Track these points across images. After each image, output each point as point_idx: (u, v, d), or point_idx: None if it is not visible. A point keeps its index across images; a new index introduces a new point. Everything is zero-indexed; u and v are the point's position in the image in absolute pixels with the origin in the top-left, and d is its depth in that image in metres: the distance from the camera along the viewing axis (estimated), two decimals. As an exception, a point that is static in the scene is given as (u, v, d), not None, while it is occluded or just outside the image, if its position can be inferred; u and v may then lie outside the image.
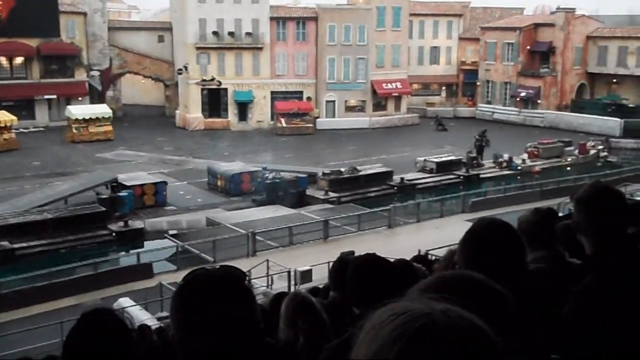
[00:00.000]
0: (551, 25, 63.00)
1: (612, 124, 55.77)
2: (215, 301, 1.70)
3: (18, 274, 23.65)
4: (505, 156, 43.77)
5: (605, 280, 2.40)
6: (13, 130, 48.53)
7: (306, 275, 21.24)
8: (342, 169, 38.47)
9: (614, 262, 2.47)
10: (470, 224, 2.55)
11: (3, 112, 49.17)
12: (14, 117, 48.51)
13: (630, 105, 58.63)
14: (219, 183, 37.05)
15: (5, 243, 27.23)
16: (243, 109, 59.42)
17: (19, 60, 56.75)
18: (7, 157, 44.44)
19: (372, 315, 1.03)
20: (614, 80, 62.65)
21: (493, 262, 2.16)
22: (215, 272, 1.81)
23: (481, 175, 41.98)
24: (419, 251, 15.97)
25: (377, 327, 0.98)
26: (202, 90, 58.47)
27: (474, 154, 43.12)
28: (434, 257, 13.97)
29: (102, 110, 53.00)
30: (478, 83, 67.34)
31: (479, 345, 0.95)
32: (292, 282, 21.40)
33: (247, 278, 1.91)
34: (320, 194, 36.13)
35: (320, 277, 20.41)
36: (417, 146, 48.90)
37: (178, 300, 1.77)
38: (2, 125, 47.51)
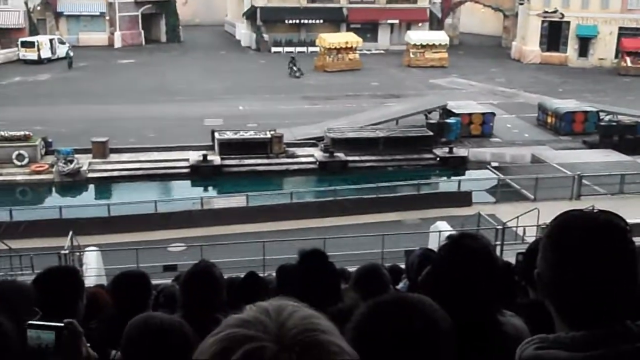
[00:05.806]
0: None
1: None
2: (597, 250, 1.60)
3: (349, 184, 25.80)
4: None
5: None
6: (357, 52, 51.98)
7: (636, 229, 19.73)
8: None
9: None
10: None
11: (350, 33, 53.46)
12: (360, 39, 52.03)
13: None
14: (548, 120, 35.60)
15: (341, 154, 29.80)
16: (584, 44, 55.70)
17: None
18: (350, 76, 48.03)
19: None
20: None
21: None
22: (596, 217, 1.68)
23: None
24: None
25: None
26: (543, 22, 55.98)
27: None
28: None
29: (440, 37, 54.20)
30: None
31: None
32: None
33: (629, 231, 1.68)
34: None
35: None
36: None
37: (552, 240, 1.68)
38: (349, 46, 51.15)
